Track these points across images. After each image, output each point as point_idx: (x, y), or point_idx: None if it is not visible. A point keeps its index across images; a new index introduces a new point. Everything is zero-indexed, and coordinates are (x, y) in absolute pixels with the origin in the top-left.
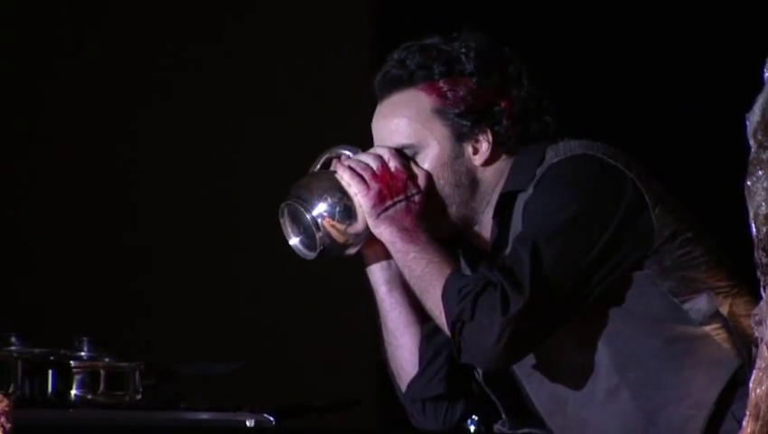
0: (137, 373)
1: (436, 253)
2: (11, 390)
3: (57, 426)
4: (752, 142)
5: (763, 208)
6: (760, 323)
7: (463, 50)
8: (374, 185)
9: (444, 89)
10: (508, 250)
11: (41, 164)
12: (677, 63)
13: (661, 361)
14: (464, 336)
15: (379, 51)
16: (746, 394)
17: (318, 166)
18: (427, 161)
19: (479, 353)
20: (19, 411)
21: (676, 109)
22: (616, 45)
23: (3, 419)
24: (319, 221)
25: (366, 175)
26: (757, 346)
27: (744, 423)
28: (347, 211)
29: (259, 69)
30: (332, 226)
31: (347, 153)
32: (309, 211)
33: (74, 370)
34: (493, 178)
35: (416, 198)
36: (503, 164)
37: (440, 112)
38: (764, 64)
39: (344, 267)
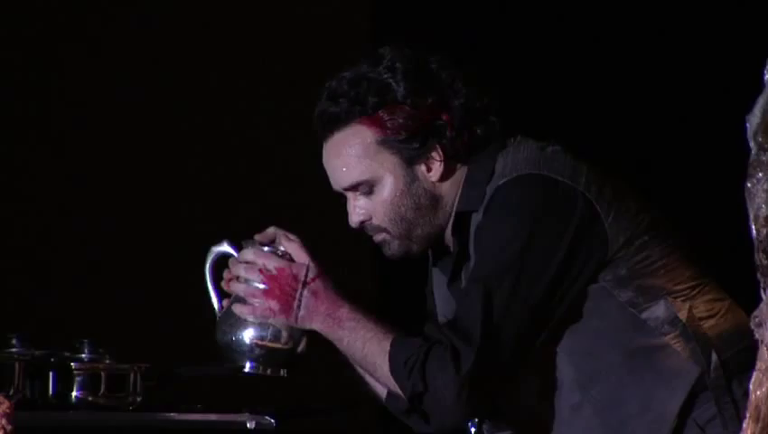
0: (138, 375)
1: (366, 327)
2: (11, 391)
3: (58, 428)
4: (752, 144)
5: (764, 210)
6: (760, 325)
7: (390, 74)
8: (273, 303)
9: (383, 119)
10: (460, 294)
11: (40, 163)
12: (677, 65)
13: (622, 376)
14: (426, 407)
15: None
16: (706, 400)
17: (208, 270)
18: (385, 192)
19: (444, 416)
20: (20, 413)
21: (676, 112)
22: (618, 47)
23: (3, 421)
24: (260, 354)
25: (260, 300)
26: (717, 352)
27: (745, 425)
28: (274, 332)
29: (258, 69)
30: (274, 349)
31: (227, 250)
32: (245, 362)
33: (75, 371)
34: (452, 190)
35: (311, 276)
36: (459, 173)
37: (384, 143)
38: (765, 66)
39: (343, 269)
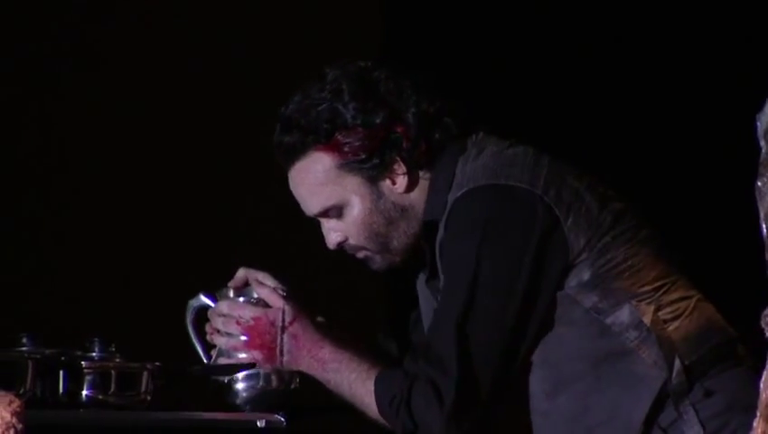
0: (149, 374)
1: (350, 368)
2: (22, 390)
3: (68, 426)
4: (762, 143)
5: None
6: None
7: (337, 97)
8: (256, 353)
9: (339, 143)
10: (432, 317)
11: (54, 163)
12: (688, 65)
13: (588, 384)
14: None
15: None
16: (670, 405)
17: (189, 324)
18: (355, 213)
19: None
20: (30, 412)
21: (686, 111)
22: (629, 46)
23: (14, 420)
24: (253, 398)
25: (244, 352)
26: (681, 357)
27: (755, 424)
28: (264, 377)
29: (269, 77)
30: (267, 392)
31: (205, 302)
32: (258, 406)
33: (85, 370)
34: (421, 198)
35: (288, 319)
36: (424, 180)
37: (344, 166)
38: None
39: (349, 271)
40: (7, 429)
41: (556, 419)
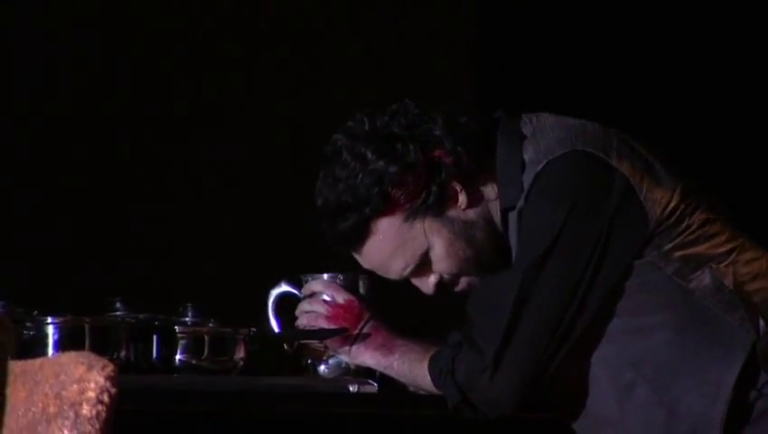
0: (241, 339)
1: (412, 349)
2: (115, 355)
3: (161, 391)
4: None
5: None
6: None
7: (364, 162)
8: (335, 326)
9: (395, 198)
10: (498, 281)
11: (157, 138)
12: (741, 60)
13: (675, 350)
14: (476, 403)
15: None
16: (759, 367)
17: (272, 314)
18: (438, 251)
19: (490, 407)
20: (123, 376)
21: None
22: (686, 42)
23: (108, 384)
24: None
25: (324, 324)
26: (765, 318)
27: None
28: (335, 363)
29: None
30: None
31: (288, 289)
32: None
33: (179, 335)
34: (486, 205)
35: (375, 312)
36: (486, 186)
37: (410, 216)
38: None
39: None
40: (101, 393)
41: (642, 389)
